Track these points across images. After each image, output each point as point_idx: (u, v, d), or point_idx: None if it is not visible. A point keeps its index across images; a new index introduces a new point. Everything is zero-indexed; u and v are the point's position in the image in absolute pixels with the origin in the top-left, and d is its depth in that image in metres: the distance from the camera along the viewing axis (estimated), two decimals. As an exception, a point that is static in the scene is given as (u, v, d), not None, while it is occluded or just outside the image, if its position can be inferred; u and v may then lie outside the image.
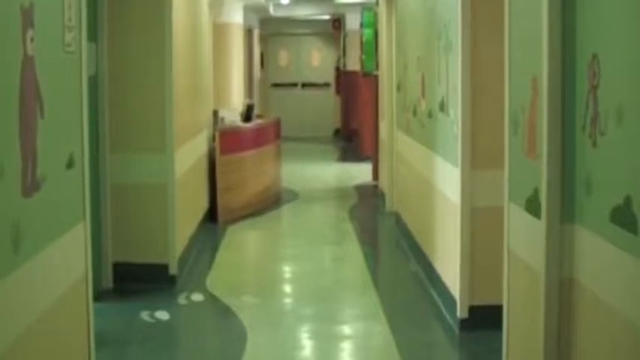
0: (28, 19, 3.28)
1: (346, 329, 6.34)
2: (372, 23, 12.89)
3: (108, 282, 6.90)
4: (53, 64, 3.68)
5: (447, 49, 6.14)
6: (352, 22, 17.55)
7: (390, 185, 10.31)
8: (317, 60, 21.67)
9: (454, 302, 5.94)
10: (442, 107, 6.40)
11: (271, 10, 17.93)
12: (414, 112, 7.92)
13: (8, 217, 3.05)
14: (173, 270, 7.08)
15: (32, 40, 3.33)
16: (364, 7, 14.03)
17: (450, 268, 6.17)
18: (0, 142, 2.98)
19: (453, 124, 5.95)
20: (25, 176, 3.22)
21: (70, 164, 3.92)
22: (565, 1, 3.50)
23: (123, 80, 6.92)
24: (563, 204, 3.52)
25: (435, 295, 6.70)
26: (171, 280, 7.06)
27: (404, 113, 8.85)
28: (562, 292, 3.55)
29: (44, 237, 3.50)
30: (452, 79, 5.99)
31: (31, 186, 3.29)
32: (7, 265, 3.03)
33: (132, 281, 6.94)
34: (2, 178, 2.97)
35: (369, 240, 9.66)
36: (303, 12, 18.88)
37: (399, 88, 9.36)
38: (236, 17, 13.63)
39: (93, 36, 6.43)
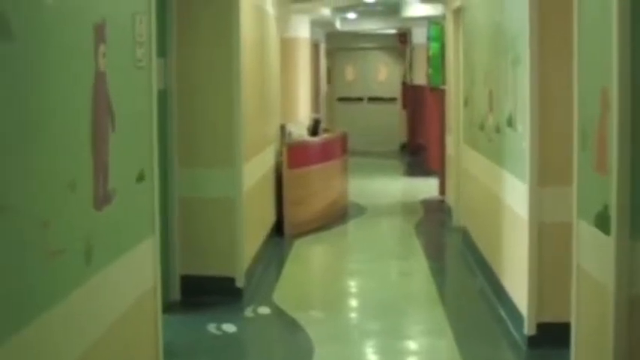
0: (100, 35, 3.36)
1: (412, 344, 6.31)
2: (439, 37, 12.85)
3: (176, 294, 6.98)
4: (124, 79, 3.75)
5: (515, 62, 6.09)
6: (419, 36, 17.50)
7: (456, 200, 10.24)
8: (383, 74, 21.66)
9: (522, 319, 5.86)
10: (510, 122, 6.35)
11: (338, 25, 17.99)
12: (482, 127, 7.87)
13: (80, 229, 3.11)
14: (240, 283, 7.13)
15: (104, 55, 3.40)
16: (431, 21, 13.99)
17: (517, 284, 6.10)
18: (73, 156, 3.05)
19: (521, 139, 5.89)
20: (96, 189, 3.29)
21: (140, 178, 3.98)
22: (635, 12, 3.45)
23: (191, 95, 7.01)
24: (633, 220, 3.47)
25: (502, 311, 6.62)
26: (239, 293, 7.11)
27: (471, 128, 8.80)
28: (632, 308, 3.49)
29: (115, 249, 3.56)
30: (520, 94, 5.94)
31: (102, 199, 3.36)
32: (80, 276, 3.10)
33: (199, 294, 7.01)
34: (75, 192, 3.04)
35: (436, 255, 9.60)
36: (370, 26, 18.90)
37: (466, 102, 9.31)
38: (303, 32, 13.71)
39: (162, 51, 6.53)
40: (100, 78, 3.36)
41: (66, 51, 2.99)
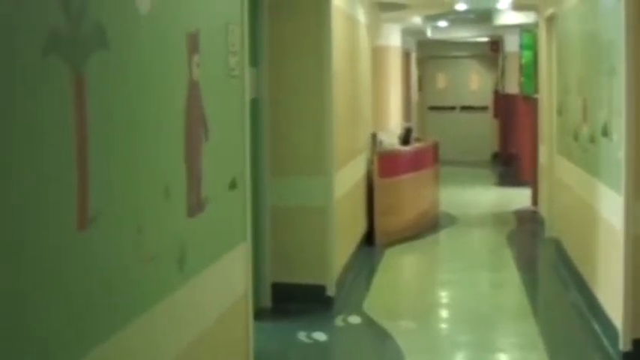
0: (194, 44, 3.41)
1: (503, 358, 6.21)
2: (531, 45, 12.66)
3: (266, 301, 7.03)
4: (217, 88, 3.81)
5: (611, 71, 5.96)
6: (511, 44, 17.28)
7: (549, 211, 10.05)
8: (475, 83, 21.45)
9: (616, 334, 5.72)
10: (605, 132, 6.21)
11: (429, 33, 17.90)
12: (575, 137, 7.72)
13: (174, 236, 3.17)
14: (331, 291, 7.14)
15: (198, 65, 3.46)
16: (523, 29, 13.80)
17: (612, 297, 5.95)
18: (167, 164, 3.10)
19: (617, 149, 5.76)
20: (190, 197, 3.34)
21: (232, 186, 4.03)
22: None
23: (283, 104, 7.07)
24: None
25: (595, 325, 6.47)
26: (329, 302, 7.12)
27: (564, 137, 8.64)
28: None
29: (207, 256, 3.61)
30: (615, 103, 5.80)
31: (195, 207, 3.41)
32: (173, 282, 3.15)
33: (290, 301, 7.05)
34: (169, 199, 3.09)
35: (528, 266, 9.44)
36: (461, 34, 18.75)
37: (559, 111, 9.14)
38: (394, 40, 13.69)
39: (254, 60, 6.60)
40: (193, 87, 3.42)
41: (160, 60, 3.05)
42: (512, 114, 17.15)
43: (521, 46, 13.82)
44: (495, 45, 19.89)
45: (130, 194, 2.74)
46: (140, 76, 2.85)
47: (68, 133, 2.32)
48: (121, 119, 2.68)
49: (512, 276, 8.54)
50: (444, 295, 8.23)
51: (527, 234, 11.18)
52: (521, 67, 13.96)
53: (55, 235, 2.25)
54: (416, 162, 10.84)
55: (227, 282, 3.96)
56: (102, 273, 2.52)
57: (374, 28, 11.68)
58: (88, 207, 2.41)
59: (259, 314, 6.59)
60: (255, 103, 6.68)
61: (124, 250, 2.70)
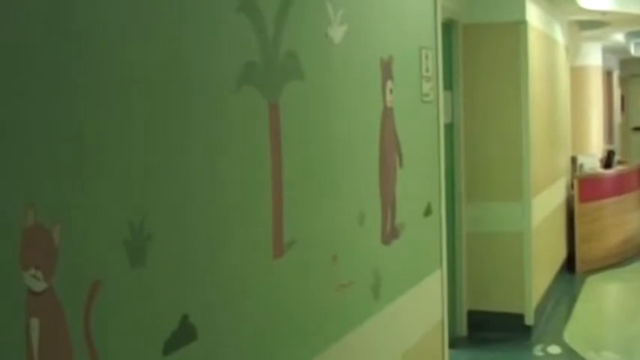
0: (387, 70, 3.40)
1: None
2: None
3: (462, 329, 6.91)
4: (411, 113, 3.78)
5: None
6: None
7: None
8: (683, 102, 20.38)
9: None
10: None
11: (632, 50, 17.19)
12: None
13: (369, 263, 3.15)
14: (529, 320, 6.93)
15: (391, 91, 3.44)
16: None
17: None
18: (362, 191, 3.10)
19: None
20: (384, 224, 3.32)
21: (427, 212, 3.98)
22: None
23: (478, 128, 6.95)
24: None
25: None
26: (527, 331, 6.91)
27: None
28: None
29: (403, 283, 3.57)
30: None
31: (390, 233, 3.38)
32: (369, 309, 3.13)
33: (486, 330, 6.89)
34: (364, 226, 3.08)
35: None
36: (668, 51, 17.91)
37: None
38: (594, 59, 13.23)
39: (448, 84, 6.54)
40: (387, 113, 3.40)
41: (354, 88, 3.05)
42: None
43: None
44: None
45: (325, 222, 2.75)
46: (334, 104, 2.86)
47: (263, 161, 2.35)
48: (316, 146, 2.70)
49: None
50: (652, 326, 7.80)
51: None
52: None
53: (252, 262, 2.27)
54: (619, 186, 10.40)
55: (422, 309, 3.91)
56: (297, 300, 2.53)
57: (573, 48, 11.33)
58: (283, 235, 2.43)
59: (455, 343, 6.47)
60: (449, 128, 6.60)
61: (320, 277, 2.70)
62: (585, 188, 9.55)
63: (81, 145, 1.65)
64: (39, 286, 1.55)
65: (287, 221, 2.45)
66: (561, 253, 9.22)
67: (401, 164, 3.56)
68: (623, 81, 19.99)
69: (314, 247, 2.66)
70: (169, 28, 1.93)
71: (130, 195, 1.78)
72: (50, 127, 1.57)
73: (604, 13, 9.92)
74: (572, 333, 7.14)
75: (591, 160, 10.84)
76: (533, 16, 7.23)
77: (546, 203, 7.95)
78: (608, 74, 16.66)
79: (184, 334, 1.95)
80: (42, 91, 1.54)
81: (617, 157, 11.93)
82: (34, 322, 1.53)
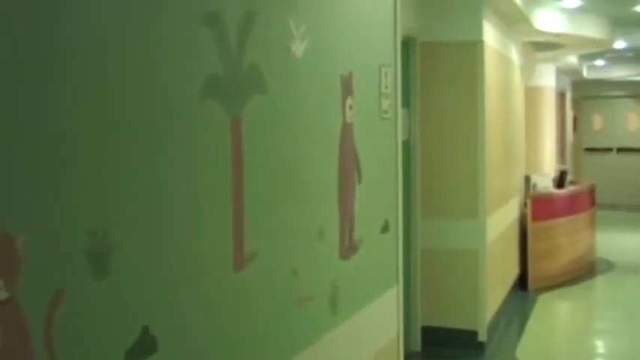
0: (347, 87, 3.42)
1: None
2: (696, 84, 12.14)
3: (416, 345, 6.94)
4: (370, 130, 3.80)
5: None
6: (673, 83, 16.64)
7: None
8: (633, 123, 20.71)
9: None
10: None
11: (585, 73, 17.47)
12: None
13: (328, 278, 3.16)
14: (482, 337, 6.98)
15: (351, 107, 3.46)
16: (687, 68, 13.27)
17: None
18: (322, 206, 3.11)
19: None
20: (343, 239, 3.33)
21: (385, 229, 4.00)
22: None
23: (434, 145, 7.02)
24: None
25: None
26: (480, 347, 6.96)
27: None
28: None
29: (360, 299, 3.58)
30: None
31: (348, 249, 3.40)
32: (327, 324, 3.13)
33: (440, 346, 6.93)
34: (323, 241, 3.09)
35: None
36: (618, 73, 18.20)
37: None
38: (548, 80, 13.42)
39: (406, 102, 6.59)
40: (347, 129, 3.42)
41: (314, 103, 3.07)
42: (674, 156, 16.46)
43: (684, 85, 13.27)
44: (655, 84, 19.22)
45: (286, 236, 2.76)
46: (295, 119, 2.87)
47: (224, 173, 2.35)
48: (277, 161, 2.71)
49: (676, 326, 8.13)
50: (600, 345, 7.90)
51: (691, 282, 10.63)
52: (683, 106, 13.40)
53: (213, 275, 2.27)
54: (571, 205, 10.54)
55: (379, 325, 3.93)
56: (258, 313, 2.54)
57: (528, 68, 11.49)
58: (243, 248, 2.44)
59: (409, 358, 6.50)
60: (406, 145, 6.65)
61: (280, 291, 2.71)
62: (538, 207, 9.66)
63: (44, 154, 1.64)
64: (1, 295, 1.54)
65: (248, 235, 2.46)
66: (514, 271, 9.31)
67: (360, 180, 3.59)
68: (576, 102, 20.28)
69: (275, 260, 2.67)
70: (131, 39, 1.93)
71: (94, 205, 1.78)
72: (10, 136, 1.56)
73: (558, 35, 10.08)
74: (525, 350, 7.20)
75: (544, 180, 10.98)
76: (490, 36, 7.32)
77: (501, 221, 8.03)
78: (561, 95, 16.89)
79: (145, 345, 1.94)
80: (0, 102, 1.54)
81: (569, 177, 12.09)
82: (-4, 332, 1.52)
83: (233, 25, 2.41)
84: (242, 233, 2.43)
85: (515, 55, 9.41)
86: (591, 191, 11.48)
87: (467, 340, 6.95)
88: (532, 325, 8.20)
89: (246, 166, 2.46)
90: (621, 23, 11.09)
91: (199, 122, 2.22)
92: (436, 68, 7.02)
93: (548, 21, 9.56)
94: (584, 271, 10.65)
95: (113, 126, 1.85)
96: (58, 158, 1.68)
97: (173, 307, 2.07)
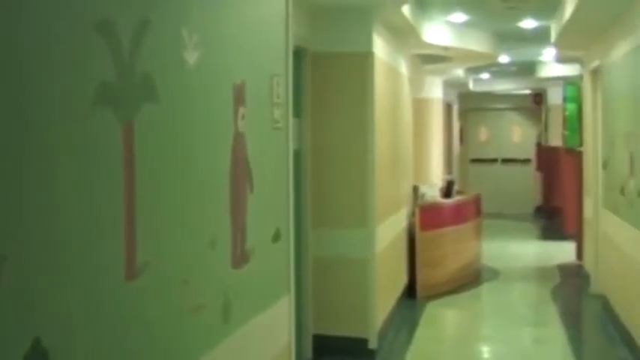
0: (239, 96, 3.43)
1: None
2: (575, 98, 12.58)
3: (308, 353, 6.97)
4: (262, 139, 3.81)
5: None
6: (554, 96, 17.22)
7: (595, 266, 9.89)
8: (517, 135, 21.35)
9: (668, 391, 5.58)
10: (653, 184, 6.12)
11: (471, 85, 17.92)
12: (622, 191, 7.61)
13: (219, 287, 3.15)
14: (372, 344, 7.07)
15: (243, 117, 3.46)
16: (567, 82, 13.73)
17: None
18: (213, 216, 3.10)
19: (666, 202, 5.66)
20: (235, 248, 3.33)
21: (276, 238, 4.01)
22: None
23: (325, 155, 7.08)
24: None
25: (645, 382, 6.32)
26: (371, 355, 7.05)
27: (611, 191, 8.53)
28: None
29: (252, 307, 3.58)
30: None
31: (240, 258, 3.40)
32: (218, 333, 3.12)
33: (331, 353, 6.98)
34: (214, 250, 3.08)
35: (573, 323, 9.27)
36: (503, 87, 18.75)
37: (605, 165, 9.04)
38: (436, 92, 13.71)
39: (297, 111, 6.63)
40: (239, 139, 3.42)
41: (207, 112, 3.06)
42: (555, 167, 17.02)
43: (565, 99, 13.73)
44: (538, 97, 19.84)
45: (177, 245, 2.74)
46: (187, 128, 2.86)
47: (116, 182, 2.32)
48: (168, 170, 2.69)
49: (556, 332, 8.40)
50: (485, 351, 8.10)
51: (571, 289, 11.01)
52: (564, 119, 13.87)
53: (105, 285, 2.24)
54: (458, 215, 10.78)
55: (271, 333, 3.93)
56: (150, 323, 2.51)
57: (416, 81, 11.70)
58: (135, 258, 2.41)
59: (300, 367, 6.53)
60: (297, 155, 6.68)
61: (172, 300, 2.69)
62: (426, 217, 9.84)
63: None
64: None
65: (139, 244, 2.43)
66: (403, 279, 9.45)
67: (251, 189, 3.59)
68: (462, 114, 20.77)
69: (166, 270, 2.64)
70: (20, 44, 1.89)
71: (-20, 214, 1.73)
72: None
73: (446, 48, 10.32)
74: (414, 356, 7.33)
75: (432, 190, 11.19)
76: (379, 47, 7.44)
77: (390, 230, 8.15)
78: (448, 107, 17.27)
79: (36, 358, 1.90)
80: None
81: (456, 187, 12.36)
82: None
83: (126, 33, 2.38)
84: (134, 242, 2.40)
85: (404, 68, 9.58)
86: (477, 201, 11.76)
87: (358, 347, 7.03)
88: (421, 332, 8.35)
89: (137, 175, 2.43)
90: (505, 38, 11.44)
91: (90, 129, 2.18)
92: (327, 78, 7.08)
93: (436, 34, 9.78)
94: (471, 278, 10.91)
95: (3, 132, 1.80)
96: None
97: (65, 318, 2.03)
